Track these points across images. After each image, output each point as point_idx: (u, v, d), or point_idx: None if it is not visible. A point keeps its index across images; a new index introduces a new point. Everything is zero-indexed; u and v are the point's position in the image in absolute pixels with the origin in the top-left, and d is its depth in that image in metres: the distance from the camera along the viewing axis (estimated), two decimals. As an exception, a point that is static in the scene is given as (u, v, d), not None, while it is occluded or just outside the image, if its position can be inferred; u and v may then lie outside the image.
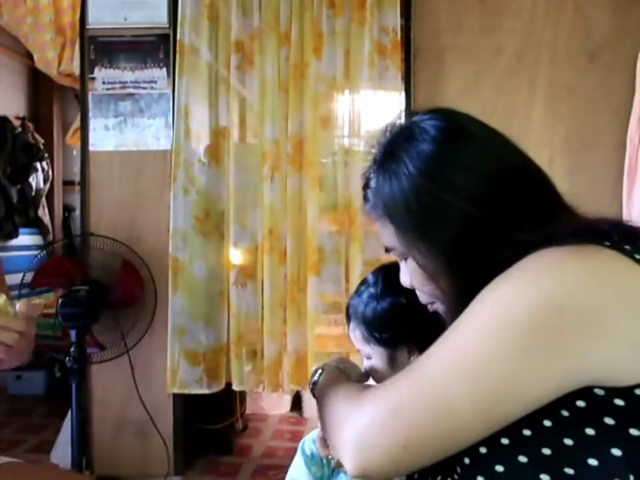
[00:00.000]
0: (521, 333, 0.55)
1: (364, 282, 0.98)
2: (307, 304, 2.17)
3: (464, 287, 0.65)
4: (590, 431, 0.54)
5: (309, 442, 1.03)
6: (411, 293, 0.79)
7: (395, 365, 0.93)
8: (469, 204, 0.64)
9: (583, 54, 2.16)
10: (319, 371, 0.87)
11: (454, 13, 2.21)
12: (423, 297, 0.76)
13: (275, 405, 3.01)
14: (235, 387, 2.23)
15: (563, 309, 0.54)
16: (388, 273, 0.90)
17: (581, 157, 2.11)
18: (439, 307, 0.74)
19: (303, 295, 2.18)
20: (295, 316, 2.18)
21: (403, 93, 2.18)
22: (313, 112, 2.17)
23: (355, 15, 2.16)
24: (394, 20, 2.16)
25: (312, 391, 0.85)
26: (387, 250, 0.77)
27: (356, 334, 0.95)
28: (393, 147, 0.71)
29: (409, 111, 0.74)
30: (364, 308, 0.93)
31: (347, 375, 0.86)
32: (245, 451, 2.57)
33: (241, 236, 2.23)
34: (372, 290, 0.94)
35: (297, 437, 2.74)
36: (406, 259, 0.74)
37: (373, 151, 0.74)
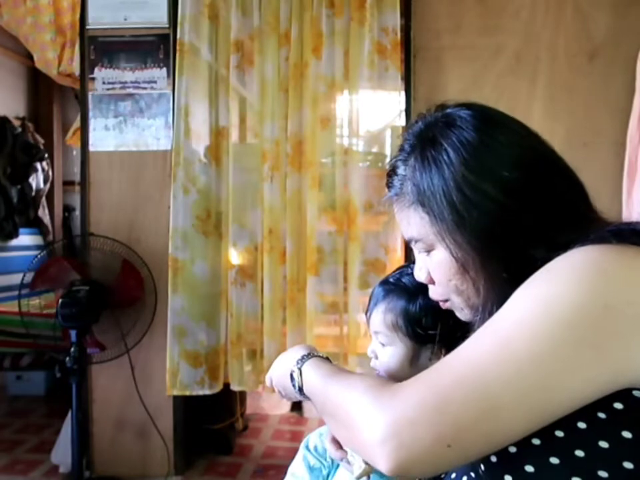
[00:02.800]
0: (570, 331, 0.54)
1: (404, 269, 0.94)
2: (306, 304, 2.17)
3: (496, 279, 0.65)
4: (627, 434, 0.54)
5: (315, 436, 1.02)
6: None
7: (414, 360, 0.92)
8: (505, 195, 0.64)
9: (582, 54, 2.16)
10: (295, 370, 0.79)
11: (454, 13, 2.21)
12: (438, 293, 0.74)
13: (275, 405, 3.01)
14: (234, 387, 2.23)
15: (612, 309, 0.54)
16: None
17: (580, 156, 2.11)
18: (453, 303, 0.73)
19: (302, 295, 2.18)
20: (294, 316, 2.18)
21: (403, 93, 2.18)
22: (313, 112, 2.17)
23: (354, 14, 2.16)
24: (394, 20, 2.16)
25: (300, 392, 0.78)
26: (409, 241, 0.75)
27: (385, 318, 0.92)
28: (433, 134, 0.69)
29: (440, 104, 0.73)
30: (408, 298, 0.90)
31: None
32: (245, 450, 2.57)
33: (240, 236, 2.23)
34: (418, 281, 0.90)
35: (297, 437, 2.74)
36: (429, 252, 0.72)
37: (404, 139, 0.74)
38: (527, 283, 0.59)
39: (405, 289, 0.92)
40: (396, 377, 0.95)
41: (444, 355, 0.86)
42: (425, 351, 0.91)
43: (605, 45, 2.15)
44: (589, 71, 2.15)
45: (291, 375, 0.79)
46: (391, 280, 0.95)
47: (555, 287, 0.57)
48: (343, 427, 0.66)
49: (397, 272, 0.96)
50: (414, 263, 0.92)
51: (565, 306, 0.55)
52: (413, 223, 0.71)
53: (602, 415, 0.54)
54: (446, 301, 0.74)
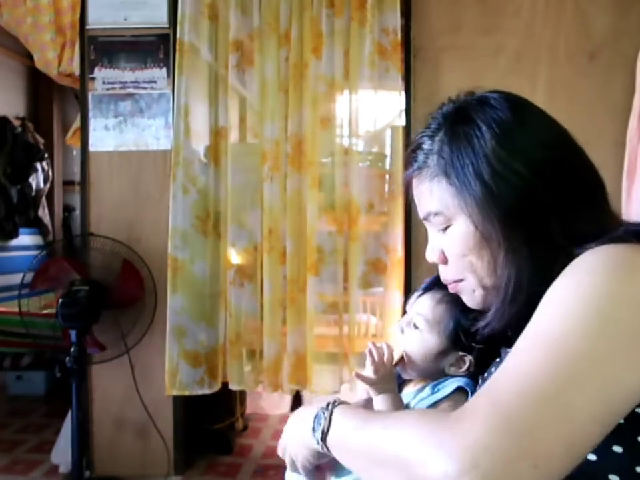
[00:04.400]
0: (621, 328, 0.53)
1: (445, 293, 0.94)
2: (307, 304, 2.17)
3: (517, 253, 0.66)
4: None
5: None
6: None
7: (439, 357, 0.92)
8: (533, 174, 0.65)
9: (582, 54, 2.16)
10: (321, 415, 0.72)
11: (454, 13, 2.21)
12: (451, 272, 0.74)
13: (275, 404, 3.01)
14: (233, 387, 2.23)
15: None
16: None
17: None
18: (465, 285, 0.74)
19: (302, 295, 2.18)
20: (294, 316, 2.18)
21: (403, 93, 2.18)
22: (313, 112, 2.17)
23: (354, 14, 2.16)
24: (394, 21, 2.16)
25: (322, 441, 0.70)
26: (427, 217, 0.74)
27: (435, 307, 0.91)
28: (465, 112, 0.71)
29: (469, 90, 0.77)
30: (464, 307, 0.87)
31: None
32: (245, 450, 2.57)
33: (239, 236, 2.23)
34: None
35: (297, 436, 2.74)
36: (446, 228, 0.72)
37: (431, 118, 0.75)
38: (560, 284, 0.59)
39: (460, 301, 0.92)
40: (414, 365, 0.96)
41: (466, 364, 0.86)
42: (452, 354, 0.92)
43: (604, 44, 2.14)
44: (589, 71, 2.15)
45: (315, 420, 0.72)
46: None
47: (599, 285, 0.56)
48: (394, 470, 0.56)
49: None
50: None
51: (613, 304, 0.54)
52: (435, 195, 0.71)
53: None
54: (458, 281, 0.74)
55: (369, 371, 0.91)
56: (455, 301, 0.91)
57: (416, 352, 0.93)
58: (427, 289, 0.96)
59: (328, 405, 0.73)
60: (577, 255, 0.61)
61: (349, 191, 2.19)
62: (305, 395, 2.92)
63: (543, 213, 0.65)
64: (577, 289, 0.57)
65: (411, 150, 0.77)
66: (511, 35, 2.18)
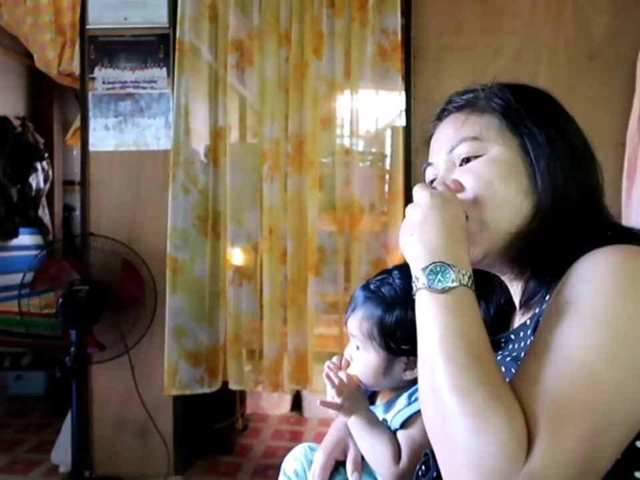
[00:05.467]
0: None
1: (386, 276, 0.94)
2: (307, 304, 2.17)
3: (554, 179, 0.69)
4: None
5: (291, 460, 1.02)
6: None
7: (387, 371, 0.92)
8: (571, 140, 0.75)
9: (582, 54, 2.16)
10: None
11: (454, 13, 2.21)
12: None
13: (275, 404, 3.01)
14: (232, 387, 2.23)
15: None
16: None
17: (580, 156, 2.11)
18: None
19: (303, 295, 2.18)
20: (295, 316, 2.18)
21: (403, 93, 2.18)
22: (313, 112, 2.17)
23: (355, 15, 2.16)
24: (394, 21, 2.16)
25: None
26: (455, 146, 0.73)
27: (361, 325, 0.92)
28: (515, 85, 0.77)
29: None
30: (385, 309, 0.90)
31: None
32: (245, 450, 2.57)
33: (238, 236, 2.23)
34: (397, 293, 0.90)
35: (297, 437, 2.74)
36: (468, 161, 0.72)
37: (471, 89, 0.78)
38: (570, 298, 0.59)
39: (383, 298, 0.92)
40: (370, 384, 0.96)
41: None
42: (398, 363, 0.92)
43: (605, 45, 2.14)
44: (589, 71, 2.15)
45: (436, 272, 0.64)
46: (372, 287, 0.95)
47: (611, 299, 0.56)
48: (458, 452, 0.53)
49: (379, 278, 0.95)
50: (396, 269, 0.91)
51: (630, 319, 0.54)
52: (478, 123, 0.73)
53: None
54: None
55: (332, 396, 0.89)
56: (375, 306, 0.90)
57: (366, 373, 0.93)
58: (353, 309, 0.96)
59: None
60: (588, 246, 0.62)
61: (350, 191, 2.19)
62: (305, 395, 2.92)
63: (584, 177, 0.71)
64: (588, 309, 0.57)
65: (449, 99, 0.78)
66: (511, 35, 2.18)
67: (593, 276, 0.59)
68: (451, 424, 0.53)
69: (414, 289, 0.63)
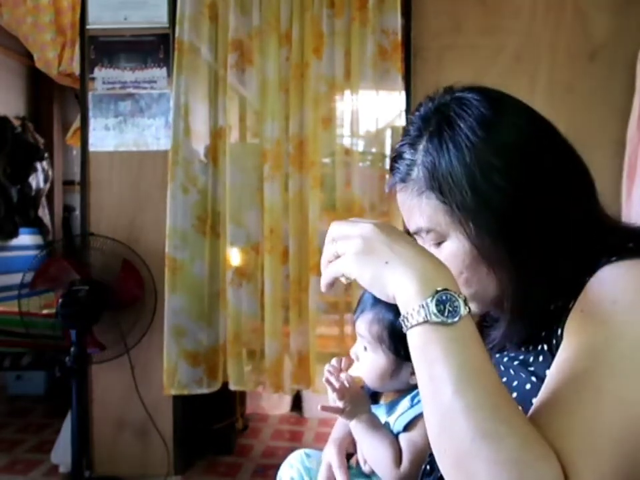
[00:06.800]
0: None
1: None
2: (309, 304, 2.16)
3: (522, 264, 0.62)
4: None
5: (287, 467, 1.02)
6: None
7: (395, 374, 0.92)
8: (527, 173, 0.62)
9: (583, 54, 2.16)
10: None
11: (454, 13, 2.21)
12: None
13: (275, 404, 3.01)
14: (232, 387, 2.23)
15: None
16: None
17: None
18: None
19: (304, 295, 2.17)
20: (296, 316, 2.18)
21: (403, 93, 2.18)
22: (314, 112, 2.17)
23: (355, 15, 2.16)
24: (394, 22, 2.16)
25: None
26: (416, 233, 0.69)
27: (371, 327, 0.92)
28: (446, 113, 0.66)
29: (446, 87, 0.73)
30: (396, 313, 0.89)
31: None
32: (245, 450, 2.57)
33: (237, 236, 2.23)
34: None
35: (296, 437, 2.74)
36: (440, 243, 0.67)
37: (410, 123, 0.71)
38: (594, 316, 0.57)
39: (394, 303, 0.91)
40: (375, 386, 0.95)
41: None
42: (406, 367, 0.91)
43: (605, 45, 2.14)
44: (589, 71, 2.15)
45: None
46: None
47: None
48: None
49: None
50: None
51: None
52: (425, 212, 0.66)
53: None
54: None
55: (334, 400, 0.88)
56: (386, 309, 0.89)
57: (372, 374, 0.92)
58: (362, 310, 0.95)
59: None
60: (589, 271, 0.60)
61: (350, 191, 2.19)
62: (305, 395, 2.92)
63: (542, 216, 0.62)
64: (611, 335, 0.55)
65: (392, 159, 0.71)
66: (511, 35, 2.18)
67: (615, 296, 0.57)
68: (483, 472, 0.49)
69: (406, 325, 0.56)
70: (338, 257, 0.61)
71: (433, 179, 0.64)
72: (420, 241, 0.70)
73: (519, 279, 0.63)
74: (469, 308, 0.55)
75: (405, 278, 0.56)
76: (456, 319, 0.53)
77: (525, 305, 0.64)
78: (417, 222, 0.67)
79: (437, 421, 0.53)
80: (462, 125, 0.64)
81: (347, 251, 0.60)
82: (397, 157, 0.70)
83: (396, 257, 0.57)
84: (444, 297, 0.54)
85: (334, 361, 0.94)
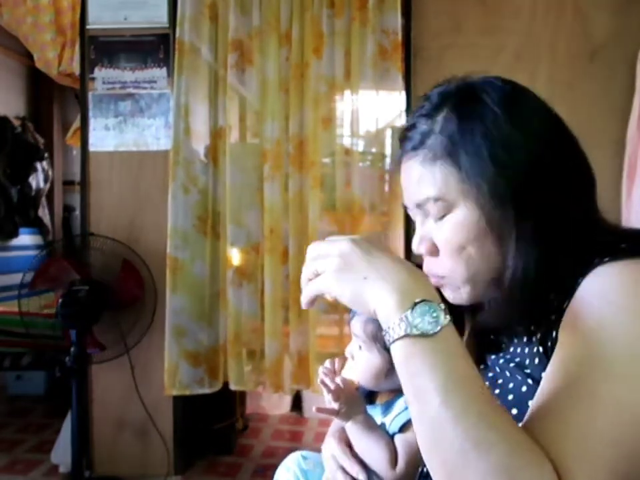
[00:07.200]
0: None
1: None
2: (308, 304, 2.16)
3: (528, 238, 0.62)
4: None
5: (284, 471, 1.02)
6: None
7: (390, 373, 0.91)
8: (547, 152, 0.64)
9: (583, 54, 2.16)
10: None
11: (454, 13, 2.21)
12: (440, 265, 0.68)
13: (275, 404, 3.01)
14: (232, 387, 2.23)
15: None
16: None
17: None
18: (451, 280, 0.69)
19: (304, 295, 2.17)
20: (296, 316, 2.18)
21: (404, 93, 2.18)
22: (314, 112, 2.17)
23: (355, 15, 2.16)
24: (394, 22, 2.16)
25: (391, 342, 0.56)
26: (422, 203, 0.68)
27: (366, 327, 0.91)
28: (472, 90, 0.67)
29: (462, 76, 0.71)
30: None
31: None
32: (245, 450, 2.57)
33: (237, 236, 2.23)
34: None
35: (296, 436, 2.74)
36: (444, 216, 0.67)
37: (424, 99, 0.71)
38: (589, 318, 0.57)
39: None
40: (370, 386, 0.95)
41: None
42: None
43: (605, 45, 2.14)
44: (589, 71, 2.15)
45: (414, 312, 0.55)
46: None
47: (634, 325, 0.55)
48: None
49: None
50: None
51: None
52: (437, 179, 0.66)
53: None
54: (442, 277, 0.69)
55: (329, 402, 0.88)
56: None
57: (367, 374, 0.92)
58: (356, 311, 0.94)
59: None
60: (583, 271, 0.60)
61: (350, 191, 2.19)
62: (305, 395, 2.92)
63: (551, 195, 0.63)
64: (609, 336, 0.55)
65: (404, 130, 0.71)
66: (511, 34, 2.18)
67: (610, 298, 0.57)
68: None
69: (388, 339, 0.55)
70: (318, 274, 0.62)
71: (453, 145, 0.65)
72: (419, 215, 0.70)
73: (524, 251, 0.63)
74: (450, 317, 0.55)
75: (384, 292, 0.56)
76: (437, 329, 0.53)
77: (526, 281, 0.63)
78: (426, 190, 0.67)
79: (426, 434, 0.53)
80: (486, 99, 0.65)
81: (326, 269, 0.61)
82: (410, 127, 0.71)
83: (374, 272, 0.58)
84: (423, 308, 0.54)
85: (327, 363, 0.93)
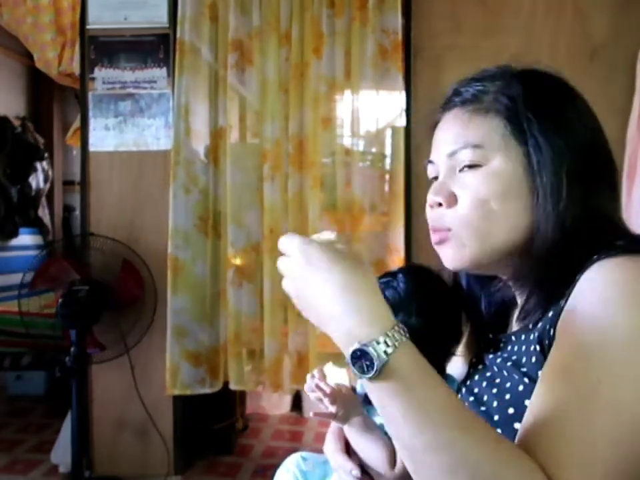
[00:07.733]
0: None
1: (390, 279, 0.90)
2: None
3: (553, 213, 0.64)
4: None
5: (283, 472, 1.01)
6: (436, 314, 0.78)
7: None
8: (598, 136, 0.71)
9: (583, 54, 2.16)
10: (383, 341, 0.52)
11: (454, 13, 2.21)
12: (455, 218, 0.68)
13: (275, 404, 3.01)
14: (233, 387, 2.23)
15: None
16: (422, 288, 0.84)
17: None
18: (457, 236, 0.68)
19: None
20: (296, 316, 2.18)
21: (404, 93, 2.19)
22: (314, 112, 2.17)
23: (355, 15, 2.16)
24: (394, 21, 2.16)
25: (371, 378, 0.52)
26: (457, 150, 0.69)
27: None
28: (532, 70, 0.72)
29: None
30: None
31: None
32: (245, 450, 2.57)
33: (238, 236, 2.23)
34: (401, 297, 0.86)
35: (296, 436, 2.74)
36: (476, 166, 0.67)
37: (479, 73, 0.75)
38: (586, 316, 0.56)
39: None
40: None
41: None
42: None
43: (605, 45, 2.15)
44: (589, 71, 2.15)
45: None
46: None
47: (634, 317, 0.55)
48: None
49: (383, 281, 0.92)
50: (400, 273, 0.89)
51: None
52: (483, 127, 0.68)
53: None
54: (449, 230, 0.69)
55: (325, 406, 0.87)
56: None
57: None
58: None
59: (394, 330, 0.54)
60: (581, 268, 0.60)
61: (350, 191, 2.19)
62: (305, 395, 2.92)
63: (600, 180, 0.67)
64: (608, 327, 0.55)
65: (457, 86, 0.75)
66: (511, 35, 2.18)
67: (606, 295, 0.57)
68: None
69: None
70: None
71: (513, 103, 0.67)
72: (447, 164, 0.70)
73: (560, 216, 0.64)
74: (398, 335, 0.53)
75: (333, 337, 0.55)
76: (372, 374, 0.51)
77: (553, 247, 0.63)
78: (468, 136, 0.68)
79: (407, 460, 0.53)
80: (545, 82, 0.72)
81: (285, 275, 0.59)
82: (464, 84, 0.74)
83: (322, 318, 0.56)
84: (358, 353, 0.52)
85: (316, 371, 0.93)
